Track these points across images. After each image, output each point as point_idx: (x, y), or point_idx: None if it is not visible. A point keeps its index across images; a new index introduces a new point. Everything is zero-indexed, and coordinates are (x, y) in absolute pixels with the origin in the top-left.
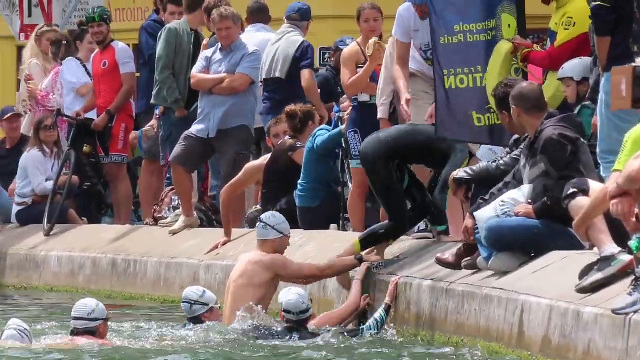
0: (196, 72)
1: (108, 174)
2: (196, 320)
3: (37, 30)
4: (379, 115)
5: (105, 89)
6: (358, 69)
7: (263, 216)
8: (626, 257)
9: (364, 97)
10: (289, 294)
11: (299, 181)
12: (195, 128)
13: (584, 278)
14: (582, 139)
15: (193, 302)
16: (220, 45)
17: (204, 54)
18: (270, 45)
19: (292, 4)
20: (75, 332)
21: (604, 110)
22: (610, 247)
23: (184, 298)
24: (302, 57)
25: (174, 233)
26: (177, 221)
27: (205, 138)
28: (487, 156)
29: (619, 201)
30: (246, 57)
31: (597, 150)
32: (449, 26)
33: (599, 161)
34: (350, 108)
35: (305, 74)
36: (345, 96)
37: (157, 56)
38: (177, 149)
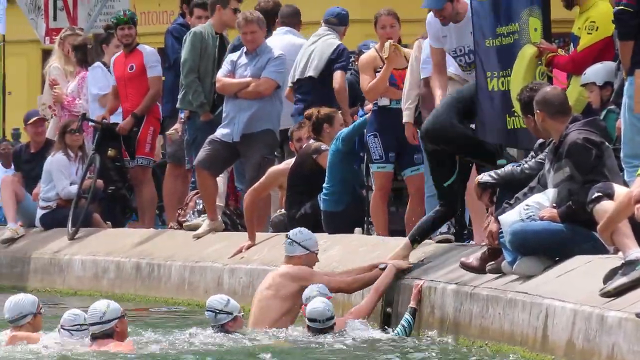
0: (221, 76)
1: (133, 177)
2: (220, 328)
3: (61, 34)
4: (405, 120)
5: (132, 92)
6: (377, 74)
7: (290, 233)
8: None
9: (384, 102)
10: (314, 302)
11: (324, 185)
12: (220, 132)
13: (608, 282)
14: (606, 143)
15: (218, 311)
16: (245, 49)
17: (229, 57)
18: (306, 46)
19: (331, 8)
20: (94, 337)
21: (627, 114)
22: (635, 252)
23: (208, 307)
24: (337, 58)
25: (198, 237)
26: (202, 223)
27: (230, 142)
28: None
29: None
30: (272, 61)
31: (621, 154)
32: (493, 29)
33: (623, 165)
34: (370, 112)
35: (337, 75)
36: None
37: (182, 60)
38: (202, 153)
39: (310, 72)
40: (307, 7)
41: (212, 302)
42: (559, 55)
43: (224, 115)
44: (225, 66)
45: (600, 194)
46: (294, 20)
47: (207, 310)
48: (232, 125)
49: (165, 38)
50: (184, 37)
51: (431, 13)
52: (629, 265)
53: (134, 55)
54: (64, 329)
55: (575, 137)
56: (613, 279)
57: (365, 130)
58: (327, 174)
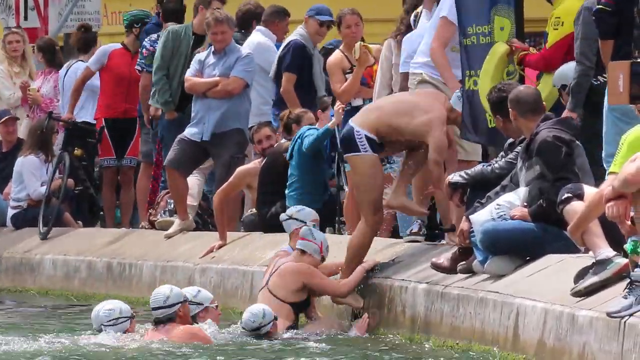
0: (190, 75)
1: (125, 176)
2: (192, 319)
3: (2, 35)
4: None
5: (133, 93)
6: (346, 76)
7: (288, 211)
8: (621, 261)
9: (358, 102)
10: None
11: (291, 183)
12: (189, 131)
13: (579, 282)
14: (577, 142)
15: (187, 301)
16: (213, 49)
17: (197, 57)
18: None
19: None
20: (158, 322)
21: (609, 113)
22: (606, 251)
23: None
24: (284, 56)
25: (169, 237)
26: (174, 220)
27: (199, 142)
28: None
29: (614, 204)
30: (240, 61)
31: (603, 154)
32: (465, 28)
33: (604, 165)
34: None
35: (284, 78)
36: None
37: (155, 57)
38: (171, 153)
39: (270, 74)
40: (295, 6)
41: (184, 292)
42: (531, 54)
43: (192, 114)
44: (193, 66)
45: (569, 194)
46: (270, 18)
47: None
48: (201, 125)
49: (140, 37)
50: (159, 35)
51: None
52: (599, 264)
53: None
54: (104, 325)
55: (545, 135)
56: (584, 278)
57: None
58: (295, 173)
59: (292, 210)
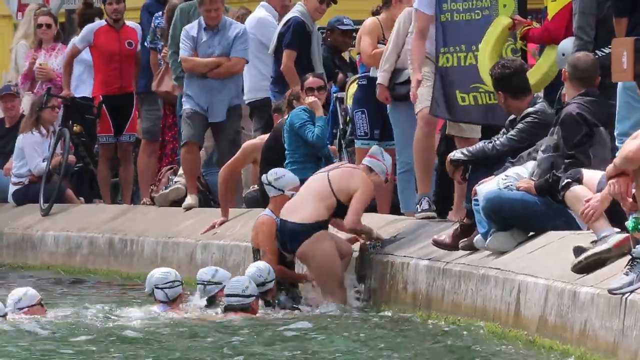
0: (186, 55)
1: (124, 152)
2: (211, 300)
3: (33, 10)
4: (379, 81)
5: (127, 69)
6: (378, 45)
7: (268, 175)
8: (622, 234)
9: (377, 73)
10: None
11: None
12: (193, 105)
13: (580, 255)
14: (602, 128)
15: (206, 282)
16: (204, 25)
17: (187, 32)
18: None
19: None
20: (230, 309)
21: (622, 92)
22: (606, 230)
23: (197, 281)
24: (285, 32)
25: (188, 209)
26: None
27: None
28: None
29: (616, 181)
30: (238, 39)
31: (615, 132)
32: (440, 4)
33: (617, 143)
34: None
35: (284, 55)
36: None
37: (169, 36)
38: (188, 128)
39: (270, 50)
40: None
41: (200, 274)
42: (534, 28)
43: (188, 93)
44: (187, 43)
45: (569, 180)
46: None
47: (197, 284)
48: (206, 105)
49: (141, 14)
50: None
51: None
52: (600, 240)
53: (126, 31)
54: (158, 288)
55: (571, 109)
56: (584, 252)
57: (351, 106)
58: (287, 149)
59: (271, 176)
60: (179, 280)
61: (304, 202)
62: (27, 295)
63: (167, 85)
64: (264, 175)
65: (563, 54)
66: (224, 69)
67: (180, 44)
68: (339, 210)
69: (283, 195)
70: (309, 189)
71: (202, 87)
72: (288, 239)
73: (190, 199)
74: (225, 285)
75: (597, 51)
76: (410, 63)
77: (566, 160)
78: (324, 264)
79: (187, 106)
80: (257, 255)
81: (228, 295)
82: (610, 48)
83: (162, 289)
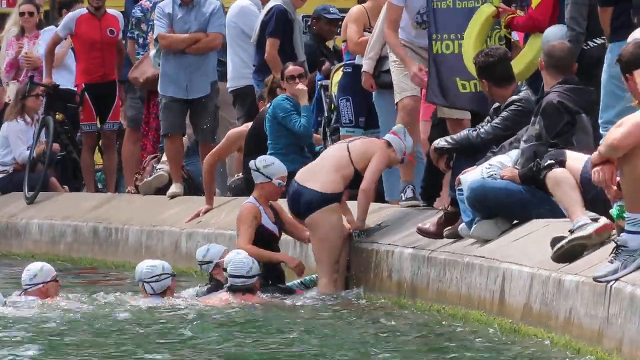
0: (163, 31)
1: (108, 140)
2: (211, 278)
3: None
4: (364, 68)
5: (109, 57)
6: (364, 33)
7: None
8: (602, 220)
9: (362, 61)
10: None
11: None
12: (171, 90)
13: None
14: (584, 115)
15: (200, 263)
16: (179, 2)
17: (161, 9)
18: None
19: None
20: (234, 289)
21: (607, 81)
22: (583, 218)
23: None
24: (268, 21)
25: (173, 197)
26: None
27: (185, 98)
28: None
29: (600, 169)
30: (214, 15)
31: (600, 120)
32: None
33: (601, 132)
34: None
35: (268, 43)
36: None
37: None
38: (166, 120)
39: (252, 39)
40: None
41: (196, 256)
42: (518, 16)
43: (165, 72)
44: (162, 20)
45: (552, 161)
46: None
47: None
48: (183, 84)
49: (125, 2)
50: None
51: None
52: (579, 228)
53: (107, 19)
54: (145, 282)
55: (552, 98)
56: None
57: (336, 94)
58: (270, 138)
59: (260, 163)
60: (167, 273)
61: (323, 170)
62: (43, 270)
63: (140, 72)
64: (252, 161)
65: (549, 42)
66: (203, 44)
67: (155, 22)
68: (355, 180)
69: (270, 182)
70: (329, 157)
71: (181, 65)
72: (302, 204)
73: (174, 187)
74: (217, 262)
75: (589, 42)
76: (392, 53)
77: (549, 149)
78: (329, 237)
79: (164, 94)
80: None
81: (232, 276)
82: (602, 39)
83: (148, 282)
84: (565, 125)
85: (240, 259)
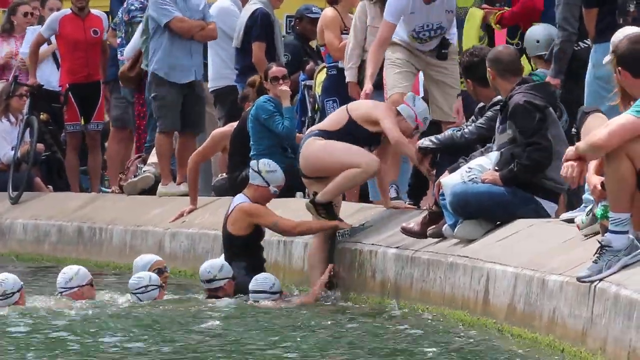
0: (180, 15)
1: (92, 140)
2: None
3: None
4: (348, 79)
5: (93, 57)
6: (342, 36)
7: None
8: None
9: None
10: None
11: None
12: (174, 76)
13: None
14: (551, 109)
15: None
16: None
17: None
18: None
19: None
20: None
21: (591, 81)
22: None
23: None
24: (252, 25)
25: (161, 195)
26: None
27: (180, 87)
28: None
29: (571, 164)
30: (207, 7)
31: None
32: None
33: None
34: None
35: (255, 47)
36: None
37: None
38: (163, 119)
39: (235, 43)
40: None
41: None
42: (505, 12)
43: (173, 55)
44: (172, 5)
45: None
46: None
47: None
48: (194, 68)
49: (110, 1)
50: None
51: None
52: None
53: (91, 19)
54: (132, 293)
55: (518, 100)
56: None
57: (319, 94)
58: (252, 138)
59: (263, 166)
60: (153, 284)
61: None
62: (79, 274)
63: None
64: (254, 162)
65: (537, 41)
66: (208, 32)
67: (161, 9)
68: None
69: (267, 188)
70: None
71: (187, 51)
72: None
73: (170, 187)
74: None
75: (579, 42)
76: (388, 52)
77: (527, 148)
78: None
79: (166, 78)
80: (233, 241)
81: (255, 292)
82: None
83: (135, 294)
84: (537, 122)
85: (263, 275)
